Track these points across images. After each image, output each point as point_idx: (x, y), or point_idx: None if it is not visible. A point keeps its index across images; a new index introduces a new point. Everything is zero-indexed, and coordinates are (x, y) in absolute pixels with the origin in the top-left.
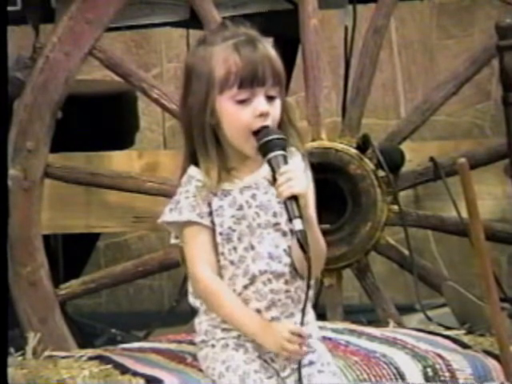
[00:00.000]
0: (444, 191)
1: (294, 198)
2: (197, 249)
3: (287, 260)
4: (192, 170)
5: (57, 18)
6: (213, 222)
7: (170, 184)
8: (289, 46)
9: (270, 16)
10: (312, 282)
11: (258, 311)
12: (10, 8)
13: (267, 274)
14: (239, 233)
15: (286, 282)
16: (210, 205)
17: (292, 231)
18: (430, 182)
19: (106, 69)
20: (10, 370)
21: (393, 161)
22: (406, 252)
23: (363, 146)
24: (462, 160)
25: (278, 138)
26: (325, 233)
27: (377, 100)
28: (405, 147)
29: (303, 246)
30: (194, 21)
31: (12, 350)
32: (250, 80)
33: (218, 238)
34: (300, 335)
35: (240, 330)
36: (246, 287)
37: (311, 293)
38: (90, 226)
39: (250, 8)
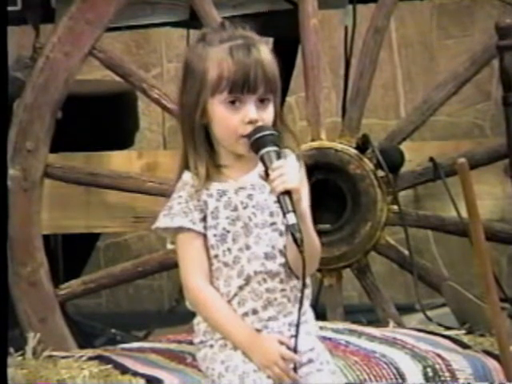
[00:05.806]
0: (444, 191)
1: (288, 192)
2: (188, 256)
3: (282, 260)
4: (186, 175)
5: (57, 18)
6: (205, 228)
7: (169, 184)
8: (289, 46)
9: (270, 16)
10: (308, 281)
11: (255, 311)
12: (10, 8)
13: (262, 274)
14: (234, 234)
15: (281, 281)
16: (202, 210)
17: (287, 228)
18: (429, 182)
19: (106, 69)
20: (10, 370)
21: (393, 161)
22: (406, 252)
23: (363, 146)
24: (462, 160)
25: (269, 134)
26: (325, 233)
27: (377, 100)
28: (405, 147)
29: (296, 239)
30: (194, 21)
31: (12, 350)
32: (240, 86)
33: (213, 240)
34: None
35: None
36: (241, 288)
37: (308, 291)
38: (90, 226)
39: (249, 8)
